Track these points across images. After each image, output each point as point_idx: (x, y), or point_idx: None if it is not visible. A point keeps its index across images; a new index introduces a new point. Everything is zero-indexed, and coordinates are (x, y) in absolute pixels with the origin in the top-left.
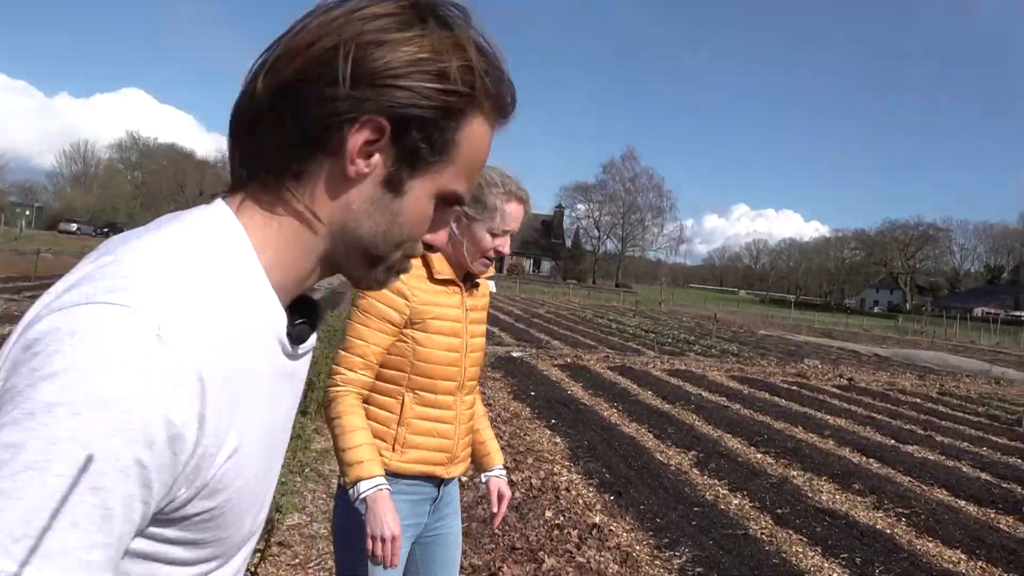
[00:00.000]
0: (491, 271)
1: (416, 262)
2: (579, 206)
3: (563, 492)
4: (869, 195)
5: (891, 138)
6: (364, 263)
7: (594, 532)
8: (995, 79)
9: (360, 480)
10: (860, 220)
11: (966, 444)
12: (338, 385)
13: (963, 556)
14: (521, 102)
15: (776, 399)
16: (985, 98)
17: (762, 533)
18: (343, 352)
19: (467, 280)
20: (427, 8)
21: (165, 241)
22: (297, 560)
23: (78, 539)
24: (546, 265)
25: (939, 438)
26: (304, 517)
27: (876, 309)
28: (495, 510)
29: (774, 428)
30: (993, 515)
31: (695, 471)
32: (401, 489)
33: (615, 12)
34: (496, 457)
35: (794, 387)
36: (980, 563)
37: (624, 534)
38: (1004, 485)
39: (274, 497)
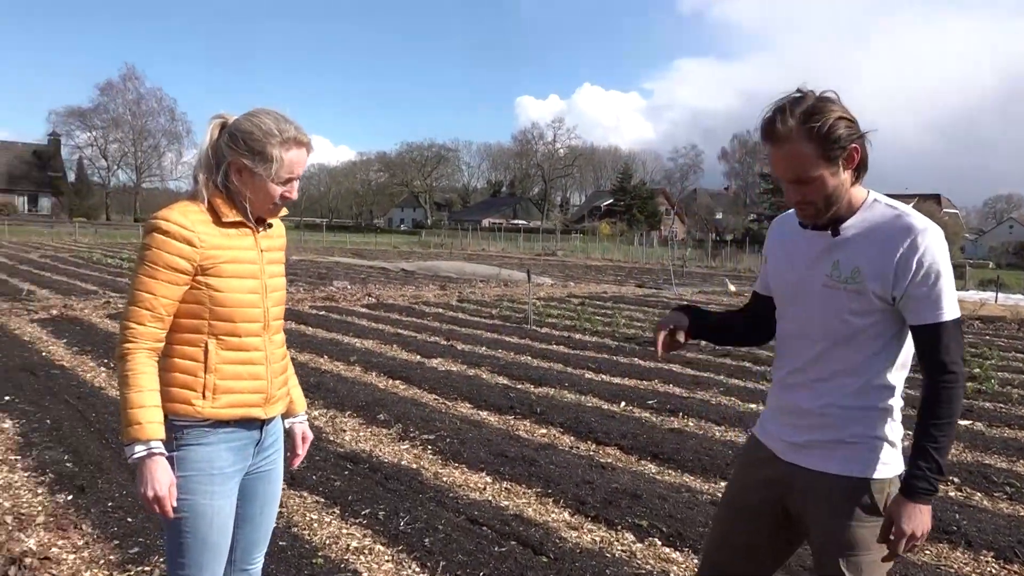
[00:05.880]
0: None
1: (201, 208)
2: (79, 134)
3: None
4: (388, 120)
5: (404, 67)
6: None
7: (17, 569)
8: (487, 17)
9: (136, 442)
10: (382, 144)
11: (484, 349)
12: (129, 341)
13: (488, 479)
14: None
15: (303, 327)
16: (480, 33)
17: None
18: (131, 306)
19: (259, 222)
20: None
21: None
22: None
23: None
24: (45, 202)
25: (460, 347)
26: None
27: (403, 227)
28: (299, 452)
29: (298, 362)
30: (512, 421)
31: None
32: (221, 437)
33: None
34: (299, 405)
35: (323, 312)
36: (505, 484)
37: (69, 556)
38: (519, 387)
39: None
